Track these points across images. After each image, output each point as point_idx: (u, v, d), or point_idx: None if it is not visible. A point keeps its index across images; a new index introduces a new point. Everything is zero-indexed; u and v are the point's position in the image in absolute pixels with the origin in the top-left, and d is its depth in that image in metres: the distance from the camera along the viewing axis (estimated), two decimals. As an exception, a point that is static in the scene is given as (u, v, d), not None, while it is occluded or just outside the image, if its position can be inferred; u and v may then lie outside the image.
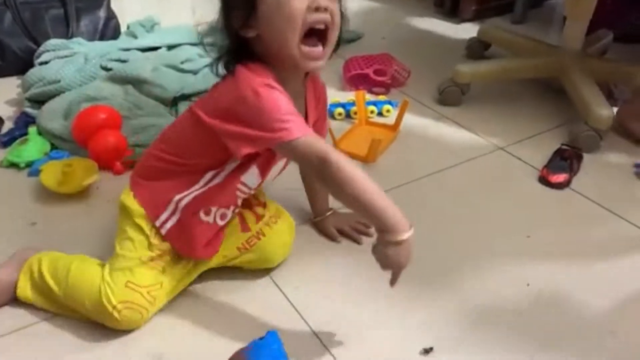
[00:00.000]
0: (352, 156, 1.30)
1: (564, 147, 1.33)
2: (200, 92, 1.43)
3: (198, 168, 0.85)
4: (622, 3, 1.91)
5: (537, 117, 1.52)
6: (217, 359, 0.82)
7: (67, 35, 1.66)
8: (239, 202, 0.91)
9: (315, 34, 0.77)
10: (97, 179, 1.17)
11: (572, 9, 1.51)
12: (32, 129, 1.32)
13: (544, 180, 1.25)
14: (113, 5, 1.76)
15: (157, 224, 0.87)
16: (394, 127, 1.41)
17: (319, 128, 0.95)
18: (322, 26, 0.77)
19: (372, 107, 1.48)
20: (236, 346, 0.83)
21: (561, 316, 0.94)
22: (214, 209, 0.88)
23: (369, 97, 1.53)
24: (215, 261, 0.95)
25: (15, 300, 0.91)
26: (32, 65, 1.53)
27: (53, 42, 1.59)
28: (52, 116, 1.33)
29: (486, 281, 1.00)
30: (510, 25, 2.08)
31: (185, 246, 0.89)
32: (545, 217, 1.16)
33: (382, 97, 1.55)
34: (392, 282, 0.79)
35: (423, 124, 1.47)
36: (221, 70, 0.82)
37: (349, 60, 1.65)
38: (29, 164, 1.24)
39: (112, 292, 0.83)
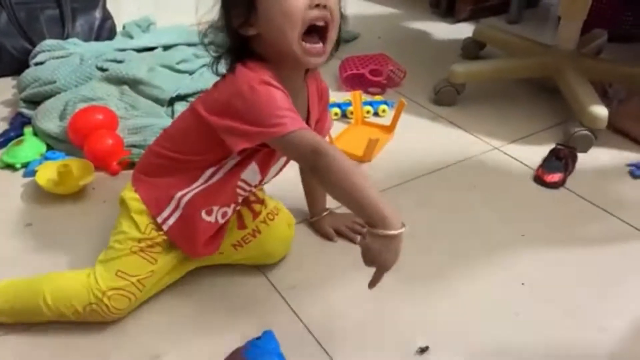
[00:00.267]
0: (349, 156, 1.27)
1: (559, 146, 1.34)
2: (196, 93, 1.43)
3: (198, 165, 0.86)
4: (617, 3, 1.92)
5: (532, 116, 1.52)
6: (214, 359, 0.82)
7: (63, 35, 1.66)
8: (240, 200, 0.92)
9: (315, 31, 0.78)
10: (93, 180, 1.17)
11: (567, 8, 1.52)
12: (27, 130, 1.32)
13: (539, 180, 1.26)
14: (109, 6, 1.76)
15: (159, 220, 0.88)
16: (390, 127, 1.41)
17: (320, 128, 0.95)
18: (322, 23, 0.77)
19: (368, 107, 1.49)
20: (233, 346, 0.83)
21: (556, 315, 0.94)
22: (215, 208, 0.88)
23: (365, 97, 1.54)
24: (211, 258, 0.95)
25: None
26: (27, 66, 1.53)
27: (49, 42, 1.59)
28: (47, 117, 1.32)
29: (481, 280, 1.00)
30: (506, 25, 2.09)
31: (186, 244, 0.90)
32: (540, 217, 1.17)
33: (378, 97, 1.55)
34: (372, 283, 0.76)
35: (419, 124, 1.48)
36: (220, 68, 0.82)
37: (345, 61, 1.65)
38: (24, 165, 1.24)
39: (102, 279, 0.85)
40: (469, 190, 1.24)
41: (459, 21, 2.12)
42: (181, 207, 0.87)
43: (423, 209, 1.16)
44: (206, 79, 1.46)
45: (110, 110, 1.29)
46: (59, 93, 1.40)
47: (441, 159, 1.33)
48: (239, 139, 0.76)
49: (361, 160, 1.30)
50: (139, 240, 0.87)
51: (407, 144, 1.39)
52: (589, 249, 1.09)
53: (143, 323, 0.89)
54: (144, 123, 1.30)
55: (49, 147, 1.29)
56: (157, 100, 1.39)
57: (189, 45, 1.64)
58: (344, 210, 1.08)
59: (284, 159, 0.92)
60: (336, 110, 1.48)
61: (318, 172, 0.75)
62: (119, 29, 1.79)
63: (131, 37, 1.74)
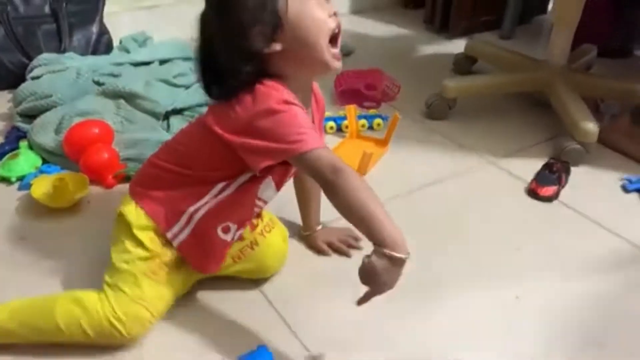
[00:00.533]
0: None
1: (552, 160, 1.35)
2: (192, 106, 1.44)
3: (208, 180, 0.86)
4: (606, 19, 1.95)
5: (524, 130, 1.54)
6: (207, 373, 0.82)
7: (60, 50, 1.67)
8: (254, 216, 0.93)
9: (333, 38, 0.81)
10: (88, 193, 1.17)
11: (560, 14, 1.53)
12: (23, 144, 1.32)
13: (533, 193, 1.27)
14: (106, 21, 1.77)
15: (169, 235, 0.87)
16: (385, 141, 1.42)
17: (319, 130, 0.96)
18: (337, 30, 0.81)
19: (363, 121, 1.50)
20: (227, 360, 0.83)
21: (550, 329, 0.94)
22: (232, 227, 0.89)
23: (360, 111, 1.55)
24: None
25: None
26: (24, 80, 1.53)
27: (45, 56, 1.60)
28: (43, 130, 1.33)
29: (476, 294, 1.00)
30: (499, 41, 2.11)
31: (199, 260, 0.90)
32: (534, 230, 1.17)
33: (372, 111, 1.57)
34: (362, 301, 0.76)
35: (413, 138, 1.49)
36: (216, 91, 0.82)
37: (340, 75, 1.66)
38: (20, 178, 1.24)
39: (117, 304, 0.84)
40: (463, 204, 1.25)
41: (452, 37, 2.14)
42: (193, 222, 0.87)
43: (417, 222, 1.16)
44: (202, 93, 1.46)
45: (106, 124, 1.30)
46: (55, 107, 1.40)
47: (435, 173, 1.34)
48: (261, 157, 0.77)
49: (356, 174, 1.31)
50: (147, 260, 0.87)
51: (401, 157, 1.40)
52: (584, 262, 1.09)
53: (138, 340, 0.88)
54: (140, 137, 1.30)
55: (44, 161, 1.30)
56: (153, 114, 1.40)
57: (185, 59, 1.65)
58: (337, 224, 1.09)
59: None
60: (331, 124, 1.49)
61: (335, 189, 0.75)
62: (115, 43, 1.80)
63: (128, 51, 1.75)
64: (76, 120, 1.31)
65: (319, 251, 1.08)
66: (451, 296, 1.00)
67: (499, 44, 1.95)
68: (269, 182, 0.88)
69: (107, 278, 0.87)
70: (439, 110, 1.57)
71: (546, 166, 1.33)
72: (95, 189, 1.21)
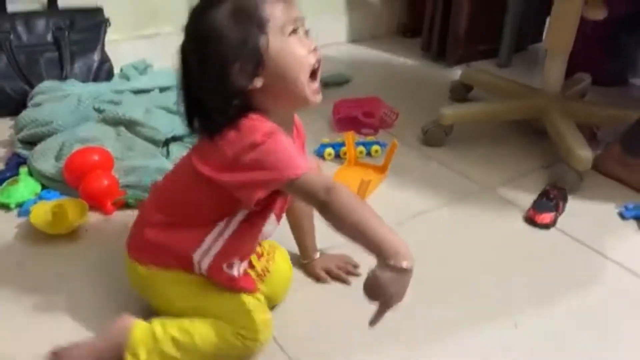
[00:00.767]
0: None
1: (550, 187, 1.36)
2: (191, 134, 1.45)
3: (203, 221, 0.86)
4: (600, 48, 1.97)
5: (521, 157, 1.55)
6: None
7: (61, 77, 1.68)
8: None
9: (313, 73, 0.82)
10: (87, 220, 1.17)
11: (552, 39, 1.55)
12: (23, 170, 1.33)
13: (530, 221, 1.27)
14: (107, 49, 1.80)
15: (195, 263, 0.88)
16: (383, 167, 1.43)
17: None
18: (317, 65, 0.82)
19: (361, 148, 1.51)
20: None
21: (549, 356, 0.94)
22: (237, 262, 0.88)
23: (358, 137, 1.56)
24: None
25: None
26: (25, 107, 1.55)
27: (47, 84, 1.61)
28: (43, 157, 1.33)
29: (473, 322, 1.00)
30: (496, 69, 2.14)
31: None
32: (532, 257, 1.18)
33: (370, 138, 1.58)
34: (374, 320, 0.75)
35: (411, 165, 1.50)
36: (200, 126, 0.82)
37: (339, 103, 1.68)
38: (19, 205, 1.24)
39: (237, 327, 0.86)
40: (460, 231, 1.25)
41: (449, 65, 2.16)
42: (202, 269, 0.87)
43: (415, 249, 1.16)
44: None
45: (106, 151, 1.31)
46: (56, 134, 1.41)
47: (433, 200, 1.34)
48: (253, 190, 0.77)
49: (354, 200, 1.31)
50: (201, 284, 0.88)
51: (399, 184, 1.41)
52: (581, 289, 1.09)
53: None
54: (140, 164, 1.31)
55: (44, 187, 1.30)
56: (153, 141, 1.41)
57: (185, 87, 1.66)
58: (337, 250, 1.09)
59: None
60: (330, 150, 1.50)
61: (329, 208, 0.75)
62: (116, 71, 1.82)
63: (128, 79, 1.77)
64: (76, 147, 1.32)
65: (318, 279, 1.08)
66: (448, 325, 0.99)
67: (495, 72, 1.98)
68: (271, 218, 0.88)
69: (200, 322, 0.86)
70: (435, 137, 1.58)
71: (543, 193, 1.34)
72: (94, 216, 1.21)
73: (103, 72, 1.78)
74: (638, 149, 1.41)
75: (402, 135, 1.61)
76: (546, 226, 1.26)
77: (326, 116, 1.67)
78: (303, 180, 0.76)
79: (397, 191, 1.38)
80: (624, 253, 1.18)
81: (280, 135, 0.78)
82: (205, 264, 0.87)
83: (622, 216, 1.31)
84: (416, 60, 2.24)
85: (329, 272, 1.08)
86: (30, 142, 1.42)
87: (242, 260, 0.90)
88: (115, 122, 1.45)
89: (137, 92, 1.66)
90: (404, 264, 0.71)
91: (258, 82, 0.79)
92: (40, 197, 1.25)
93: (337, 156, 1.51)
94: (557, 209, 1.29)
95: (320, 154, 1.50)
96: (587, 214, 1.32)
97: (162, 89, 1.68)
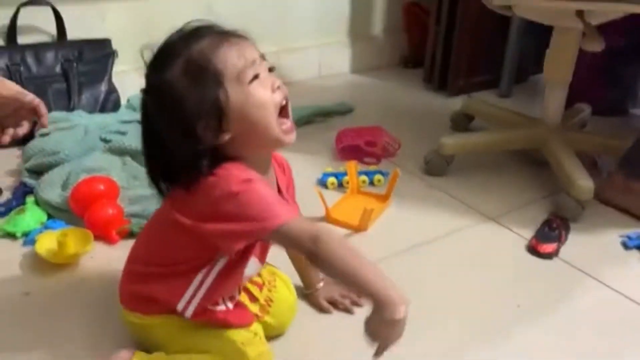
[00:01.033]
0: (345, 225, 1.33)
1: (552, 217, 1.36)
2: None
3: (183, 271, 0.84)
4: (600, 78, 2.00)
5: (523, 187, 1.55)
6: None
7: (69, 108, 1.71)
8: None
9: (282, 110, 0.81)
10: (92, 249, 1.18)
11: (551, 70, 1.57)
12: (29, 199, 1.34)
13: (533, 250, 1.27)
14: (114, 79, 1.83)
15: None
16: (385, 196, 1.44)
17: (291, 195, 0.96)
18: (284, 102, 0.80)
19: (363, 177, 1.52)
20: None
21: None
22: (221, 300, 0.88)
23: (361, 167, 1.58)
24: None
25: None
26: (33, 137, 1.57)
27: (54, 114, 1.63)
28: (50, 186, 1.35)
29: (476, 352, 1.00)
30: (497, 99, 2.16)
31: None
32: (535, 287, 1.18)
33: (373, 167, 1.59)
34: (377, 354, 0.75)
35: (414, 194, 1.51)
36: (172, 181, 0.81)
37: (341, 132, 1.70)
38: (25, 234, 1.25)
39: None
40: (463, 261, 1.25)
41: (451, 95, 2.19)
42: (188, 316, 0.86)
43: (417, 279, 1.17)
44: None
45: (112, 181, 1.32)
46: (63, 163, 1.43)
47: (435, 229, 1.35)
48: (234, 240, 0.76)
49: (357, 229, 1.32)
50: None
51: (402, 213, 1.41)
52: (585, 319, 1.09)
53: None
54: (145, 193, 1.32)
55: (50, 217, 1.31)
56: (158, 171, 1.42)
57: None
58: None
59: None
60: (332, 179, 1.51)
61: (318, 259, 0.74)
62: (123, 101, 1.85)
63: (135, 109, 1.79)
64: (82, 177, 1.33)
65: (321, 309, 1.07)
66: (450, 354, 0.99)
67: (495, 103, 2.00)
68: (252, 260, 0.87)
69: None
70: (437, 166, 1.60)
71: (546, 223, 1.34)
72: (99, 245, 1.22)
73: (110, 102, 1.81)
74: None
75: (404, 164, 1.63)
76: (549, 256, 1.26)
77: (329, 145, 1.69)
78: (286, 230, 0.74)
79: (400, 220, 1.39)
80: (627, 282, 1.18)
81: (258, 182, 0.76)
82: (189, 312, 0.85)
83: (625, 245, 1.31)
84: (418, 91, 2.27)
85: (332, 303, 1.07)
86: (38, 172, 1.44)
87: (227, 296, 0.89)
88: (121, 152, 1.47)
89: (143, 122, 1.68)
90: (397, 316, 0.71)
91: (226, 135, 0.77)
92: (46, 227, 1.26)
93: (340, 185, 1.52)
94: (560, 238, 1.29)
95: (323, 183, 1.51)
96: (589, 243, 1.32)
97: (168, 119, 1.70)
